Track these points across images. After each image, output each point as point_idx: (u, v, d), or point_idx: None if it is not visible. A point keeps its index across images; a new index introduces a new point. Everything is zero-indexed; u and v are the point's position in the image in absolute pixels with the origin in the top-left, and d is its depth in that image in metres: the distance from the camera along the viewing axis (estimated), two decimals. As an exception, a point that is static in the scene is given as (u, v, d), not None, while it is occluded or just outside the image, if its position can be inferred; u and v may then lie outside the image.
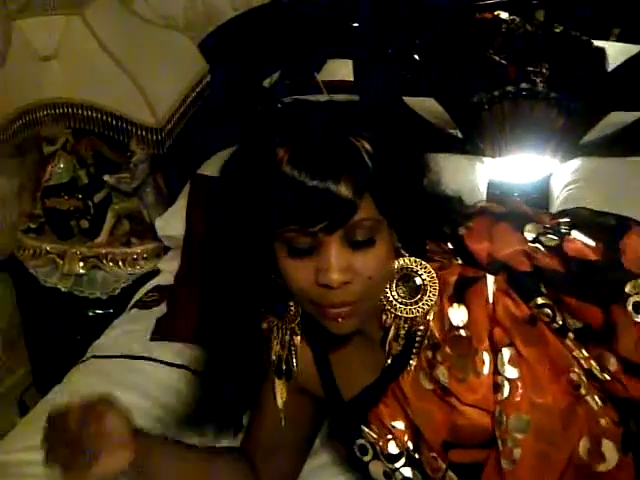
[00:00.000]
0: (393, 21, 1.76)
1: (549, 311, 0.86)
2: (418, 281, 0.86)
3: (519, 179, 1.80)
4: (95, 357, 1.32)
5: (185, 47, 1.82)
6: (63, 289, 1.79)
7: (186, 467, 0.99)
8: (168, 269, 1.61)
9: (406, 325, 0.88)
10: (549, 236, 0.86)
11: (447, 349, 0.87)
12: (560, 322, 0.86)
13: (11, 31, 1.69)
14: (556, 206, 1.62)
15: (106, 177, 1.77)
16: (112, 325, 1.46)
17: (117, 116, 1.64)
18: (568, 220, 0.88)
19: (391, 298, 0.87)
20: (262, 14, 1.86)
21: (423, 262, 0.87)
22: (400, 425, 0.92)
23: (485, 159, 1.78)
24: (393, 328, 0.89)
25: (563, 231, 0.86)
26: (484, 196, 1.71)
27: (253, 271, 0.89)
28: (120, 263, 1.77)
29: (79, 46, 1.63)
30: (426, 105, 1.84)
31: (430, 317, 0.88)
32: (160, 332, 1.35)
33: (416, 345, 0.90)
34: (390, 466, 0.94)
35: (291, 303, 0.93)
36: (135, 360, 1.29)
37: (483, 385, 0.85)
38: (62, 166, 1.83)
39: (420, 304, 0.87)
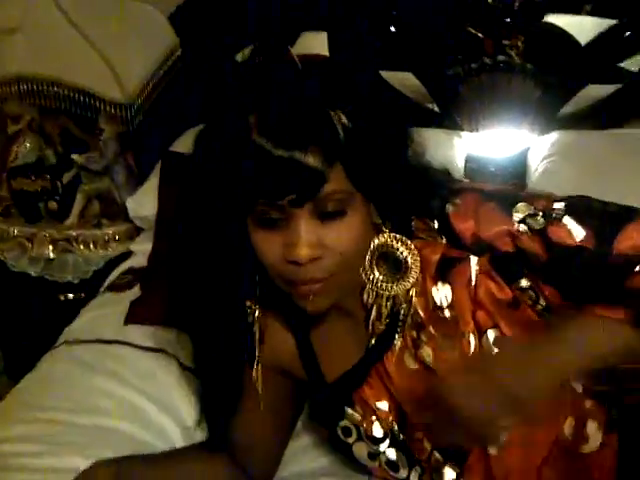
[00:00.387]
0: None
1: (532, 293, 0.85)
2: (399, 258, 0.84)
3: (497, 153, 1.78)
4: (67, 343, 1.28)
5: (155, 20, 1.75)
6: (33, 274, 1.74)
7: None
8: (141, 251, 1.57)
9: (388, 304, 0.86)
10: (538, 218, 0.83)
11: (431, 329, 0.86)
12: (543, 303, 0.85)
13: (-30, 3, 1.62)
14: (533, 179, 1.61)
15: (75, 156, 1.72)
16: (84, 309, 1.42)
17: (85, 92, 1.58)
18: (563, 205, 0.84)
19: (372, 276, 0.85)
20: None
21: (404, 238, 0.84)
22: (384, 406, 0.92)
23: (463, 133, 1.76)
24: (375, 307, 0.87)
25: (554, 216, 0.83)
26: (462, 170, 1.70)
27: (228, 249, 0.86)
28: (91, 246, 1.73)
29: (44, 19, 1.57)
30: (403, 79, 1.81)
31: (412, 294, 0.86)
32: (134, 316, 1.31)
33: (400, 324, 0.88)
34: (374, 448, 0.93)
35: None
36: (109, 345, 1.25)
37: None
38: (28, 145, 1.76)
39: (402, 282, 0.85)
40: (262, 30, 1.81)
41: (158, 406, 1.14)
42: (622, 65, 1.72)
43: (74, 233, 1.72)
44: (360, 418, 0.93)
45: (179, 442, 1.10)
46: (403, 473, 0.93)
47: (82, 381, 1.17)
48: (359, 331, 0.91)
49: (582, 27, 1.72)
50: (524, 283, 0.84)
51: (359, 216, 0.80)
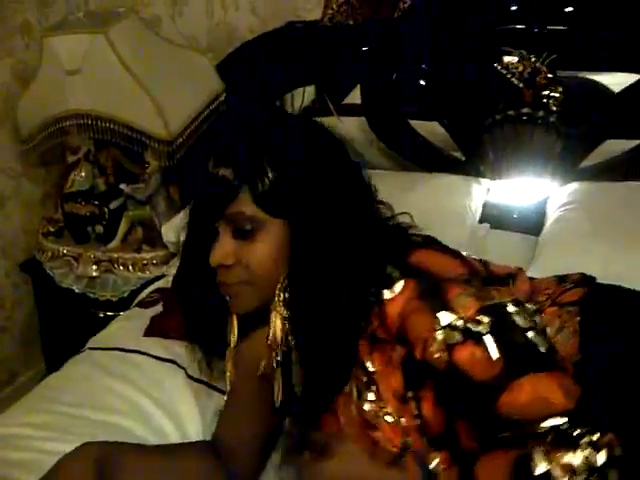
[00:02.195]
0: (399, 47, 1.83)
1: (414, 408, 0.88)
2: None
3: (517, 201, 1.84)
4: (91, 349, 1.41)
5: (202, 67, 1.93)
6: (77, 290, 1.90)
7: (151, 469, 1.05)
8: (171, 273, 1.69)
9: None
10: (455, 332, 0.82)
11: (379, 387, 0.90)
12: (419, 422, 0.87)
13: (42, 48, 1.83)
14: (548, 226, 1.65)
15: (122, 186, 1.88)
16: (113, 321, 1.55)
17: (133, 128, 1.75)
18: (489, 321, 0.82)
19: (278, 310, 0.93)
20: (276, 37, 1.96)
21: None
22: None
23: (483, 180, 1.83)
24: (276, 327, 0.95)
25: (475, 332, 0.82)
26: (477, 216, 1.76)
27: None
28: (130, 267, 1.88)
29: (102, 62, 1.75)
30: (431, 128, 1.91)
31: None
32: (153, 329, 1.43)
33: (353, 369, 0.92)
34: None
35: None
36: (127, 353, 1.37)
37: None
38: (83, 174, 1.95)
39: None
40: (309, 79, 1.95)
41: (163, 411, 1.23)
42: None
43: (116, 255, 1.88)
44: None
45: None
46: None
47: (97, 382, 1.28)
48: None
49: (608, 82, 1.79)
50: (410, 394, 0.87)
51: (271, 241, 0.89)
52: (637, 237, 1.48)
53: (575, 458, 0.72)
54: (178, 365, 1.32)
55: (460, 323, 0.82)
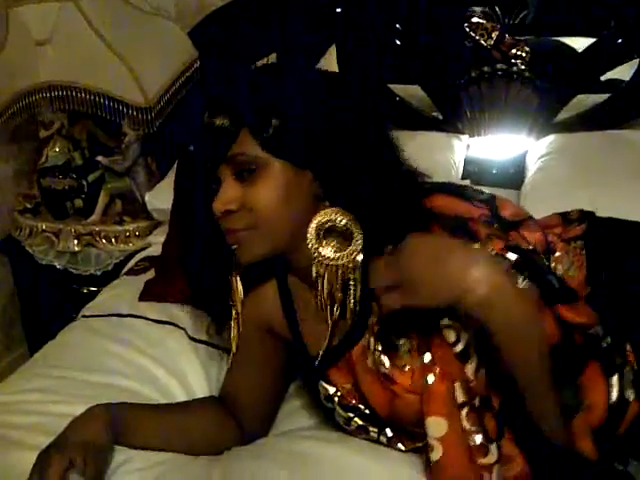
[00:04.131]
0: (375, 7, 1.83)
1: (454, 333, 0.86)
2: (339, 228, 0.90)
3: (497, 156, 1.87)
4: (85, 317, 1.39)
5: (175, 34, 1.91)
6: (59, 266, 1.86)
7: (162, 426, 1.06)
8: (157, 242, 1.68)
9: (339, 274, 0.91)
10: None
11: (392, 336, 0.91)
12: (461, 347, 0.86)
13: (8, 18, 1.78)
14: (529, 177, 1.69)
15: (100, 158, 1.85)
16: (103, 291, 1.53)
17: (109, 97, 1.72)
18: (515, 258, 0.86)
19: (320, 253, 0.91)
20: (248, 3, 1.94)
21: (341, 210, 0.90)
22: (350, 386, 0.98)
23: (463, 137, 1.86)
24: (327, 281, 0.92)
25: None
26: (460, 172, 1.79)
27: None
28: (113, 240, 1.85)
29: (72, 31, 1.71)
30: (410, 91, 1.93)
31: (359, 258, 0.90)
32: (148, 294, 1.41)
33: (367, 323, 0.94)
34: (345, 415, 0.99)
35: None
36: (123, 318, 1.35)
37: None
38: (57, 149, 1.91)
39: (348, 250, 0.90)
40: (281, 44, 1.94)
41: (166, 370, 1.22)
42: (614, 76, 1.83)
43: (97, 229, 1.85)
44: (332, 391, 0.99)
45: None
46: (374, 436, 0.98)
47: (96, 346, 1.26)
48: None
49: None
50: (446, 321, 0.86)
51: (275, 181, 0.88)
52: (617, 180, 1.53)
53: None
54: (178, 326, 1.31)
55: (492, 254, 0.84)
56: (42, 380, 1.17)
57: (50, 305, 1.91)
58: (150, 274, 1.51)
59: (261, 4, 1.95)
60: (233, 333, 1.06)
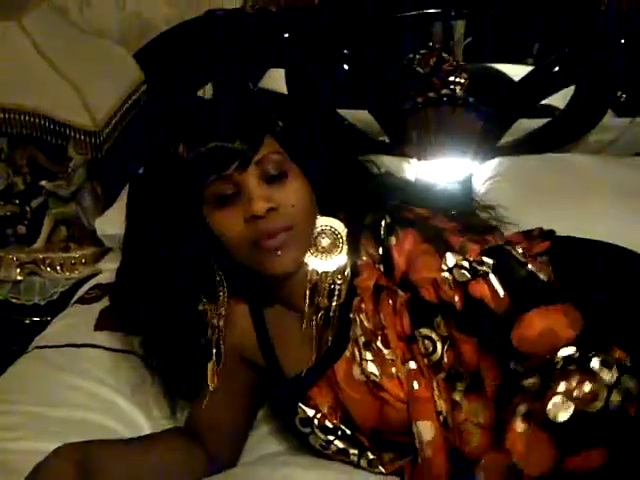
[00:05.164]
0: (322, 32, 1.86)
1: (429, 344, 0.89)
2: (325, 240, 0.96)
3: (443, 179, 1.92)
4: (39, 347, 1.33)
5: (121, 57, 1.87)
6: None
7: (131, 463, 1.03)
8: (108, 269, 1.63)
9: (327, 281, 0.95)
10: (463, 271, 0.89)
11: (378, 345, 0.93)
12: (437, 358, 0.89)
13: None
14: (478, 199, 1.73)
15: (43, 182, 1.78)
16: (54, 321, 1.46)
17: (54, 120, 1.66)
18: (491, 262, 0.90)
19: (310, 261, 0.96)
20: (195, 27, 1.93)
21: (329, 218, 0.96)
22: (326, 408, 0.98)
23: (412, 160, 1.90)
24: (309, 286, 0.96)
25: (480, 272, 0.89)
26: (411, 194, 1.82)
27: (190, 252, 0.97)
28: (58, 268, 1.78)
29: (16, 52, 1.65)
30: (358, 116, 1.96)
31: (347, 272, 0.95)
32: (104, 323, 1.37)
33: (348, 335, 0.95)
34: (324, 438, 0.99)
35: (220, 289, 1.01)
36: (80, 348, 1.30)
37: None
38: (-4, 175, 1.83)
39: (331, 255, 0.96)
40: (224, 67, 1.94)
41: (128, 400, 1.19)
42: (550, 103, 1.92)
43: (41, 256, 1.77)
44: (311, 414, 0.98)
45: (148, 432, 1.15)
46: (354, 459, 0.98)
47: (54, 379, 1.21)
48: (310, 332, 0.98)
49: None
50: (424, 331, 0.90)
51: (300, 182, 0.92)
52: (564, 200, 1.59)
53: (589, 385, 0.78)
54: (136, 355, 1.27)
55: (466, 263, 0.88)
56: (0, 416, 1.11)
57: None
58: (103, 302, 1.46)
59: (203, 28, 1.95)
60: (211, 377, 1.05)
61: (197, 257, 0.97)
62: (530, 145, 1.88)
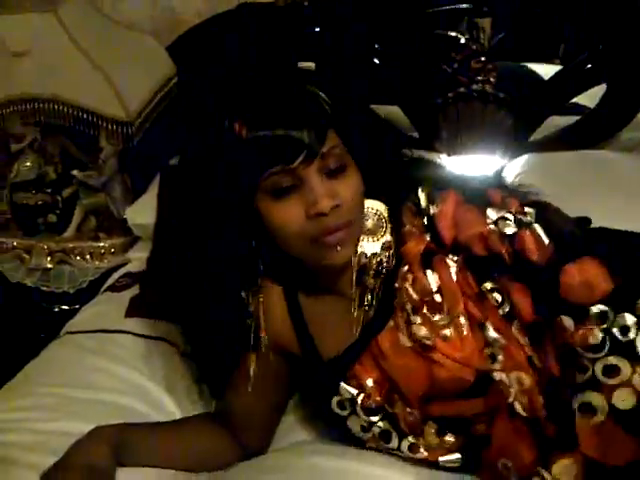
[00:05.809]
0: (354, 26, 1.85)
1: (498, 296, 0.92)
2: (370, 222, 0.97)
3: (474, 174, 1.91)
4: (70, 333, 1.34)
5: (154, 49, 1.89)
6: (29, 284, 1.79)
7: (163, 445, 1.05)
8: (137, 258, 1.65)
9: (375, 261, 0.97)
10: (508, 222, 0.92)
11: (425, 310, 0.94)
12: (507, 309, 0.92)
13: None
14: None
15: (75, 172, 1.80)
16: (84, 308, 1.48)
17: (88, 110, 1.68)
18: (533, 212, 0.94)
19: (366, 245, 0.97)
20: (227, 20, 1.94)
21: (370, 200, 0.97)
22: (372, 382, 0.97)
23: (442, 155, 1.89)
24: (356, 268, 0.97)
25: (524, 221, 0.93)
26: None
27: (236, 241, 0.96)
28: (87, 257, 1.79)
29: (51, 43, 1.67)
30: (387, 111, 1.95)
31: (391, 251, 0.97)
32: (134, 310, 1.38)
33: (393, 304, 0.96)
34: (367, 420, 0.98)
35: (260, 276, 1.01)
36: (111, 334, 1.31)
37: (468, 343, 0.92)
38: (29, 164, 1.84)
39: (377, 236, 0.97)
40: (253, 62, 1.95)
41: (158, 385, 1.19)
42: (580, 102, 1.90)
43: (71, 245, 1.79)
44: (355, 393, 0.98)
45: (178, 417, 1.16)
46: (395, 443, 0.98)
47: (84, 362, 1.23)
48: (349, 309, 0.99)
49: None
50: (489, 285, 0.92)
51: (356, 175, 0.92)
52: (595, 196, 1.56)
53: None
54: (169, 342, 1.28)
55: (509, 215, 0.91)
56: (29, 398, 1.14)
57: (19, 324, 1.83)
58: (133, 290, 1.48)
59: (237, 22, 1.96)
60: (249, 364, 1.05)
61: (242, 243, 0.95)
62: (560, 142, 1.86)
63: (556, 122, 1.90)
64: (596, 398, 0.85)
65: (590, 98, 1.87)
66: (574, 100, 1.89)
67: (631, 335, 0.85)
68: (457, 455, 0.96)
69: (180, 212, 1.01)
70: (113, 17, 1.97)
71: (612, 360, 0.85)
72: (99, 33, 1.77)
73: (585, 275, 0.88)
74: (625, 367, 0.85)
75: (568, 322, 0.87)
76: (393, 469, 0.95)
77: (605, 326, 0.86)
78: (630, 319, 0.85)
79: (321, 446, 1.08)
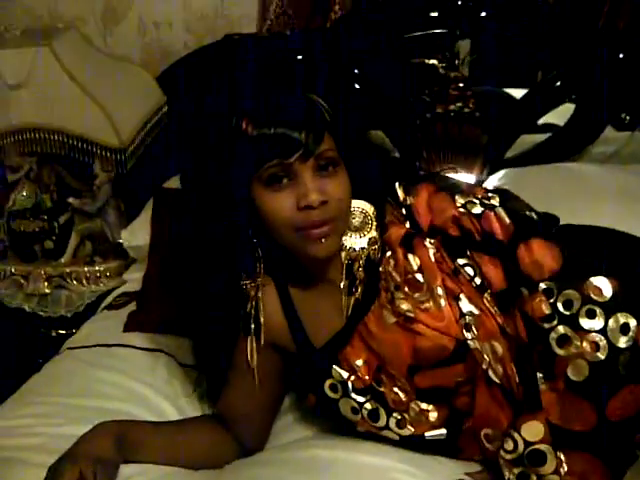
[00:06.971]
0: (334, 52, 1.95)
1: (470, 270, 1.02)
2: (356, 220, 1.06)
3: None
4: (70, 348, 1.39)
5: (144, 80, 1.97)
6: (27, 309, 1.84)
7: (166, 442, 1.11)
8: (133, 279, 1.70)
9: (363, 255, 1.06)
10: (476, 204, 1.05)
11: (406, 289, 1.02)
12: (478, 282, 1.02)
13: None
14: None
15: (70, 199, 1.87)
16: (84, 325, 1.53)
17: (82, 139, 1.75)
18: (498, 197, 1.07)
19: (345, 241, 1.07)
20: (214, 51, 2.03)
21: (357, 201, 1.06)
22: (361, 362, 1.04)
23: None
24: (346, 263, 1.06)
25: (488, 204, 1.04)
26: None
27: (235, 231, 1.03)
28: (84, 281, 1.85)
29: (48, 76, 1.74)
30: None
31: (377, 245, 1.05)
32: (133, 324, 1.43)
33: (378, 287, 1.04)
34: (357, 400, 1.05)
35: (258, 264, 1.07)
36: (110, 348, 1.36)
37: (446, 314, 1.01)
38: (25, 193, 1.91)
39: (364, 232, 1.06)
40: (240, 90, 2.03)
41: (159, 394, 1.25)
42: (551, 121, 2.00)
43: (68, 270, 1.85)
44: (346, 376, 1.05)
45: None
46: (383, 421, 1.05)
47: (86, 374, 1.28)
48: (339, 298, 1.07)
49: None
50: (462, 261, 1.03)
51: (345, 177, 1.01)
52: (573, 206, 1.63)
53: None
54: (166, 353, 1.34)
55: (475, 200, 1.04)
56: (37, 406, 1.19)
57: (16, 349, 1.87)
58: (131, 307, 1.53)
59: (223, 53, 2.05)
60: (251, 351, 1.10)
61: (241, 229, 1.03)
62: (535, 158, 1.95)
63: (530, 139, 1.99)
64: (555, 368, 0.95)
65: (560, 117, 1.97)
66: (545, 120, 1.99)
67: (574, 309, 0.96)
68: (443, 430, 1.03)
69: (186, 201, 1.12)
70: (104, 50, 2.07)
71: (561, 329, 0.95)
72: (92, 65, 1.85)
73: (535, 254, 0.99)
74: (575, 338, 0.95)
75: (525, 293, 0.98)
76: (379, 456, 1.02)
77: (552, 301, 0.96)
78: (574, 295, 0.96)
79: (313, 441, 1.14)
